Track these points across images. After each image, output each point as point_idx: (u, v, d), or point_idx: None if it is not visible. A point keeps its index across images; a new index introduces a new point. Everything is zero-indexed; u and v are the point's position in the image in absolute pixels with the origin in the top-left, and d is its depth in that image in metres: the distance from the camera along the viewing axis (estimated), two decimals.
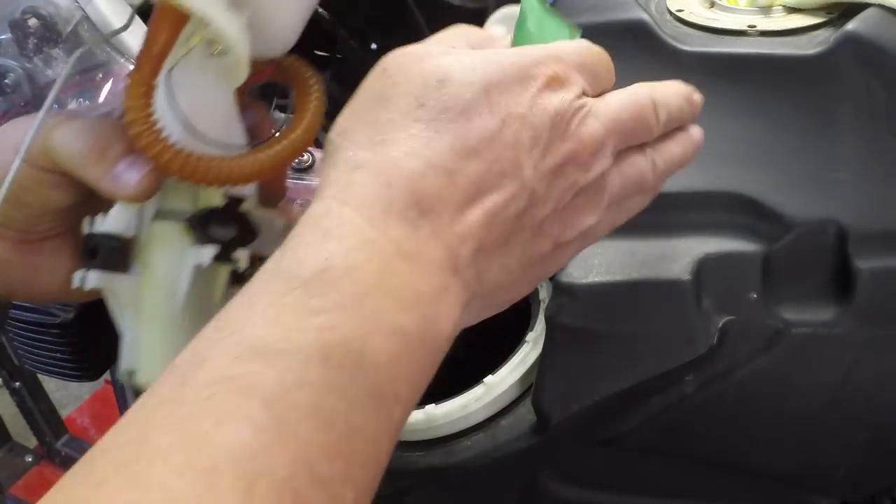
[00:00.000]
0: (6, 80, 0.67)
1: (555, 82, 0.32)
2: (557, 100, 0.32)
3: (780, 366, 0.45)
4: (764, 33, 0.50)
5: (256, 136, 0.40)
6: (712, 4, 0.54)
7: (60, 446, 1.51)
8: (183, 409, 0.25)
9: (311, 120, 0.39)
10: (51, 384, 1.51)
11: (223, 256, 0.38)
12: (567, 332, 0.46)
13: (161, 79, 0.35)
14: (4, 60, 0.68)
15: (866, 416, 0.46)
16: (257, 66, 0.38)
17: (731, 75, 0.49)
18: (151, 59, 0.35)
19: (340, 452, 0.26)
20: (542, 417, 0.47)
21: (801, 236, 0.45)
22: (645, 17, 0.52)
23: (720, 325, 0.44)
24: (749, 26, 0.50)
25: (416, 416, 0.50)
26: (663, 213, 0.47)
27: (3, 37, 0.67)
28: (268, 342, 0.26)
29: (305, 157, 1.16)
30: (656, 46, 0.50)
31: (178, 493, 0.22)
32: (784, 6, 0.51)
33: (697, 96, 0.37)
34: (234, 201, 0.39)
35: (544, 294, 0.53)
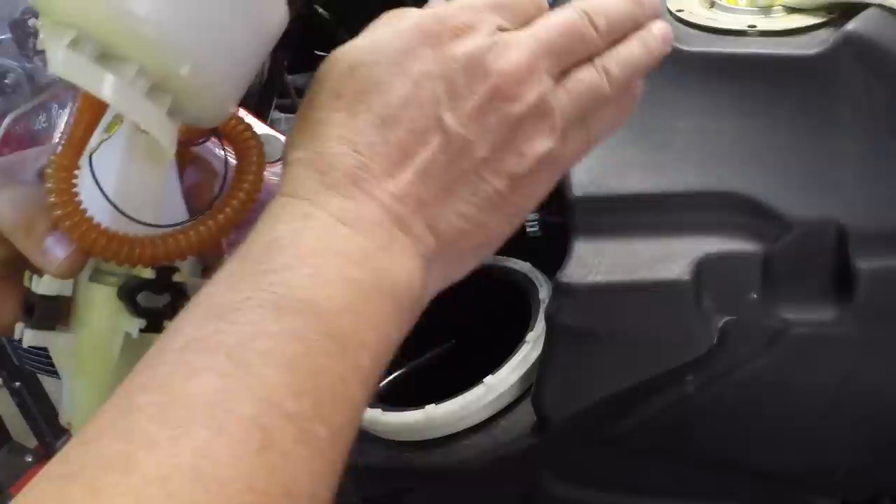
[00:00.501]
0: (6, 80, 0.67)
1: (461, 30, 0.33)
2: (468, 45, 0.33)
3: (780, 366, 0.45)
4: (764, 33, 0.50)
5: (198, 196, 0.40)
6: (712, 4, 0.54)
7: (60, 446, 1.51)
8: (159, 371, 0.28)
9: (244, 197, 0.39)
10: (51, 384, 1.51)
11: (153, 327, 0.38)
12: (567, 332, 0.46)
13: (84, 160, 0.36)
14: (4, 60, 0.67)
15: (866, 416, 0.46)
16: (198, 129, 0.38)
17: (731, 75, 0.49)
18: (73, 143, 0.35)
19: (305, 390, 0.28)
20: (542, 417, 0.47)
21: (801, 236, 0.45)
22: None
23: (720, 325, 0.44)
24: (749, 26, 0.50)
25: (416, 416, 0.49)
26: (663, 213, 0.47)
27: (3, 37, 0.67)
28: (227, 305, 0.29)
29: None
30: None
31: (157, 439, 0.25)
32: (784, 6, 0.51)
33: None
34: (167, 271, 0.38)
35: (544, 294, 0.53)
